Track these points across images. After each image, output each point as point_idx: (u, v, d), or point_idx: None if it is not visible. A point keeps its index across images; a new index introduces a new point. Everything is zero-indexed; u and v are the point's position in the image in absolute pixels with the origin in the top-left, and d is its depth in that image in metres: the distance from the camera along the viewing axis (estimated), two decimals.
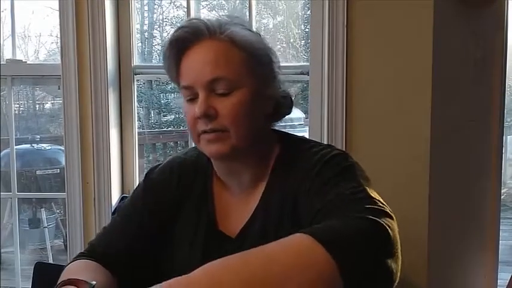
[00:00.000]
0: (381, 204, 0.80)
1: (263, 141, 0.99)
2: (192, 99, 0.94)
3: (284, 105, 1.02)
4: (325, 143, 1.79)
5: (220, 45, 0.93)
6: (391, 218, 0.78)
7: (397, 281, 0.74)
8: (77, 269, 0.96)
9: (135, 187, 2.22)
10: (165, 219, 1.03)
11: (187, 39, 0.94)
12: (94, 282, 0.85)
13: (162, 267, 1.02)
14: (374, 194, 0.83)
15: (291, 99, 1.04)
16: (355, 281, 0.69)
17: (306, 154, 0.96)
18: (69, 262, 1.02)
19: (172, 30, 1.00)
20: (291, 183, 0.95)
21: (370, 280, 0.71)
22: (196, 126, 0.94)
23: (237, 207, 1.01)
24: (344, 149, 1.77)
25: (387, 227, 0.74)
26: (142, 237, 1.02)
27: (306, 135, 1.88)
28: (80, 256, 1.02)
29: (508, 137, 4.53)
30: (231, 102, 0.92)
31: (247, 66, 0.94)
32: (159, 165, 1.10)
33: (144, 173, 1.13)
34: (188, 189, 1.04)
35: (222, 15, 1.04)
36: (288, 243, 0.71)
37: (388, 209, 0.79)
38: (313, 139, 1.10)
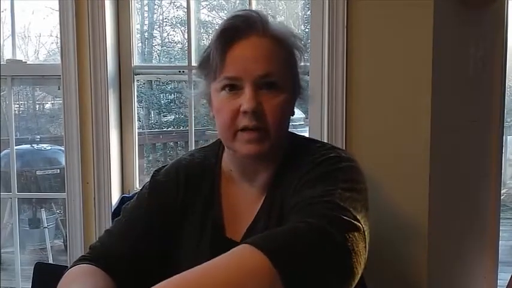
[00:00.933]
0: (343, 212, 0.76)
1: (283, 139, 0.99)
2: (232, 90, 0.91)
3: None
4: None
5: (271, 42, 0.92)
6: (353, 228, 0.74)
7: None
8: (76, 275, 0.93)
9: (135, 187, 2.22)
10: (170, 222, 1.01)
11: (240, 28, 0.92)
12: None
13: (166, 271, 1.00)
14: (345, 201, 0.79)
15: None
16: None
17: (307, 156, 0.95)
18: (70, 266, 0.99)
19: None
20: (288, 185, 0.94)
21: None
22: (236, 122, 0.91)
23: (245, 210, 0.99)
24: (344, 149, 1.77)
25: (335, 236, 0.71)
26: (147, 241, 0.99)
27: (306, 135, 1.88)
28: (81, 260, 0.98)
29: (508, 137, 4.53)
30: (277, 101, 0.91)
31: (289, 67, 0.94)
32: (164, 166, 1.08)
33: (145, 173, 1.11)
34: (195, 191, 1.02)
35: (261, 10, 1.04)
36: (230, 255, 0.70)
37: (351, 218, 0.76)
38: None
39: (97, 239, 1.05)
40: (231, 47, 0.92)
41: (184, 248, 1.00)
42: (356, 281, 0.72)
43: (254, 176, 0.99)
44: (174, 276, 0.69)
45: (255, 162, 0.97)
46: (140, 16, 4.72)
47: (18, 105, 4.51)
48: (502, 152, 2.02)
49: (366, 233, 0.76)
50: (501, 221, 2.03)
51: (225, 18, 0.96)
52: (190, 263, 0.98)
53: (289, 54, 0.95)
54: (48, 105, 4.90)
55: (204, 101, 1.03)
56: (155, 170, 1.09)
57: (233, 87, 0.91)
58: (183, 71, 2.08)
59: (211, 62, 0.94)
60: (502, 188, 2.14)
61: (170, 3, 4.52)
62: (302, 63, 0.99)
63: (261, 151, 0.91)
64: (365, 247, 0.75)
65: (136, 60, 2.11)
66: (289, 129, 1.04)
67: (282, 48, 0.93)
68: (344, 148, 1.79)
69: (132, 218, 1.02)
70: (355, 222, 0.76)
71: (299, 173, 0.92)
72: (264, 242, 0.69)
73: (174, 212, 1.01)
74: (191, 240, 1.00)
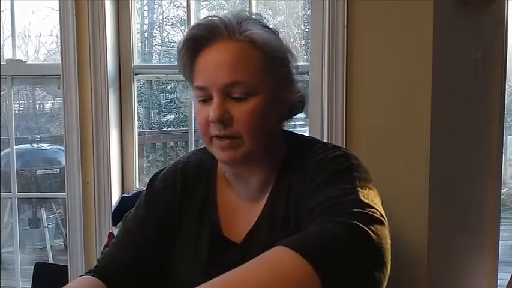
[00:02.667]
0: (369, 209, 0.76)
1: (272, 141, 0.96)
2: (205, 100, 0.90)
3: (299, 108, 0.99)
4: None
5: (239, 46, 0.89)
6: (380, 223, 0.74)
7: None
8: (72, 286, 0.94)
9: (135, 187, 2.22)
10: (168, 227, 1.00)
11: (204, 37, 0.90)
12: None
13: (167, 276, 0.99)
14: (367, 197, 0.79)
15: (305, 99, 1.01)
16: None
17: (311, 156, 0.93)
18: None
19: (185, 28, 0.98)
20: (296, 186, 0.92)
21: None
22: (209, 130, 0.90)
23: (243, 211, 0.98)
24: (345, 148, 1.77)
25: (370, 233, 0.70)
26: (146, 249, 0.99)
27: (306, 134, 1.88)
28: (86, 273, 0.99)
29: (508, 137, 4.52)
30: (246, 108, 0.88)
31: (266, 69, 0.90)
32: (162, 170, 1.07)
33: (145, 173, 1.11)
34: (191, 194, 1.02)
35: (239, 10, 1.01)
36: (266, 257, 0.69)
37: (378, 214, 0.76)
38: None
39: (99, 244, 1.07)
40: (199, 56, 0.90)
41: (183, 249, 1.00)
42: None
43: (248, 178, 0.97)
44: (214, 279, 0.67)
45: (240, 168, 0.96)
46: (140, 16, 4.71)
47: (18, 105, 4.51)
48: (502, 152, 2.02)
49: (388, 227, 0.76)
50: (501, 220, 2.03)
51: (189, 28, 0.94)
52: (189, 263, 0.98)
53: (265, 53, 0.90)
54: (48, 105, 4.90)
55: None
56: (153, 175, 1.08)
57: (204, 96, 0.91)
58: None
59: (185, 74, 0.95)
60: (502, 187, 2.14)
61: (170, 3, 4.51)
62: (294, 63, 0.95)
63: (236, 157, 0.90)
64: (389, 241, 0.75)
65: (136, 60, 2.11)
66: (289, 129, 1.03)
67: (255, 48, 0.89)
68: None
69: (130, 228, 1.03)
70: (381, 217, 0.76)
71: (307, 175, 0.90)
72: (299, 243, 0.68)
73: (171, 217, 1.01)
74: (189, 242, 0.99)
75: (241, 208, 0.99)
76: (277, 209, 0.94)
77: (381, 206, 0.80)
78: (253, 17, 0.94)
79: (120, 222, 1.20)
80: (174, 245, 1.00)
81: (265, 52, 0.90)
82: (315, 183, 0.86)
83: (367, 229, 0.71)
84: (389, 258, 0.72)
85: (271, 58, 0.90)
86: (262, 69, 0.89)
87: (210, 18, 0.92)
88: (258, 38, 0.89)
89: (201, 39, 0.90)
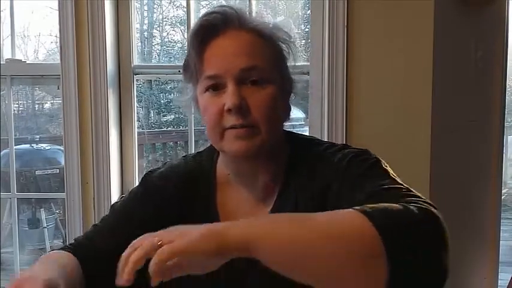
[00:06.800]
0: (417, 194, 0.76)
1: (279, 137, 0.94)
2: (216, 88, 0.88)
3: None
4: None
5: (250, 36, 0.88)
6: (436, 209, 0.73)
7: (447, 279, 0.70)
8: (46, 256, 0.91)
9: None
10: (157, 227, 0.98)
11: (216, 25, 0.88)
12: None
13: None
14: (405, 186, 0.80)
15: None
16: (403, 273, 0.65)
17: (324, 154, 0.91)
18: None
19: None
20: (312, 187, 0.90)
21: (424, 273, 0.67)
22: (222, 121, 0.87)
23: (249, 212, 0.95)
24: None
25: (439, 215, 0.71)
26: (126, 243, 0.96)
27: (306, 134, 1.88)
28: (61, 248, 0.96)
29: (508, 137, 4.53)
30: (264, 95, 0.86)
31: (275, 61, 0.90)
32: (158, 169, 1.04)
33: (144, 173, 1.08)
34: (190, 198, 0.98)
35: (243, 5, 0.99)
36: (340, 217, 0.69)
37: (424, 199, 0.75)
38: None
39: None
40: (209, 45, 0.88)
41: None
42: None
43: (253, 178, 0.95)
44: (278, 214, 0.70)
45: (250, 162, 0.92)
46: (140, 16, 4.71)
47: (17, 105, 4.51)
48: (502, 152, 2.02)
49: None
50: (502, 221, 2.03)
51: (201, 15, 0.91)
52: None
53: (272, 45, 0.90)
54: (47, 105, 4.90)
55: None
56: (148, 171, 1.04)
57: (216, 86, 0.88)
58: None
59: (191, 64, 0.91)
60: (502, 188, 2.14)
61: (170, 3, 4.52)
62: (292, 57, 0.94)
63: (252, 147, 0.86)
64: None
65: (136, 60, 2.11)
66: (289, 129, 1.02)
67: (264, 40, 0.89)
68: None
69: (122, 216, 0.99)
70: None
71: (325, 175, 0.88)
72: (376, 214, 0.67)
73: (169, 217, 0.95)
74: None
75: (246, 209, 0.96)
76: (287, 210, 0.92)
77: None
78: (253, 11, 0.94)
79: None
80: None
81: (272, 43, 0.90)
82: (350, 179, 0.84)
83: (437, 211, 0.71)
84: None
85: (276, 50, 0.91)
86: (271, 59, 0.90)
87: (221, 7, 0.91)
88: (267, 30, 0.90)
89: (213, 27, 0.88)
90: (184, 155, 1.11)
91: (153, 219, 0.96)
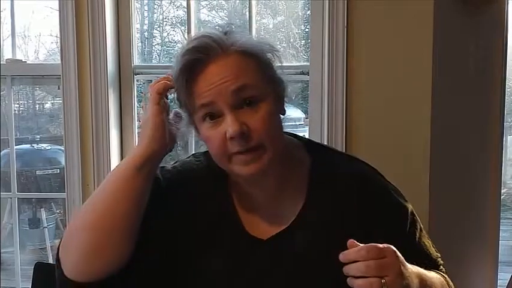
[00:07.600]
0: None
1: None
2: (213, 117, 0.88)
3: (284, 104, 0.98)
4: (325, 143, 1.79)
5: (234, 58, 0.88)
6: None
7: None
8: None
9: None
10: (173, 231, 0.97)
11: (198, 60, 0.88)
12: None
13: (178, 275, 0.97)
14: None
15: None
16: None
17: (344, 168, 1.01)
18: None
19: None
20: (340, 204, 0.97)
21: None
22: (227, 148, 0.88)
23: (264, 211, 0.97)
24: (344, 149, 1.77)
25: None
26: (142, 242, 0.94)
27: (306, 135, 1.88)
28: None
29: (508, 137, 4.52)
30: (261, 115, 0.87)
31: (262, 74, 0.90)
32: (168, 166, 1.04)
33: None
34: (204, 198, 0.99)
35: (217, 25, 1.00)
36: (440, 279, 1.08)
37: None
38: (313, 139, 1.10)
39: None
40: (195, 81, 0.88)
41: (196, 250, 0.97)
42: None
43: (260, 183, 0.96)
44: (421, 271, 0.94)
45: (260, 175, 0.92)
46: (140, 16, 4.71)
47: (18, 105, 4.50)
48: (502, 152, 2.02)
49: None
50: (501, 220, 2.03)
51: (180, 52, 0.91)
52: (210, 261, 0.95)
53: (258, 60, 0.90)
54: (48, 105, 4.89)
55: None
56: (160, 167, 1.03)
57: (213, 115, 0.88)
58: None
59: (182, 100, 0.92)
60: (502, 188, 2.14)
61: (170, 3, 4.51)
62: (278, 60, 0.94)
63: (262, 167, 0.88)
64: None
65: (136, 60, 2.11)
66: (289, 130, 1.03)
67: (249, 57, 0.89)
68: (344, 148, 1.79)
69: None
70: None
71: (355, 205, 0.98)
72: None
73: (181, 214, 0.98)
74: (204, 241, 0.97)
75: (260, 208, 0.97)
76: (315, 218, 0.95)
77: None
78: (233, 27, 0.93)
79: None
80: (180, 245, 0.97)
81: (257, 58, 0.91)
82: (408, 238, 1.08)
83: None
84: None
85: (262, 62, 0.91)
86: (259, 74, 0.90)
87: (198, 38, 0.90)
88: (248, 46, 0.90)
89: (196, 62, 0.88)
90: (193, 153, 1.11)
91: (164, 217, 0.97)
